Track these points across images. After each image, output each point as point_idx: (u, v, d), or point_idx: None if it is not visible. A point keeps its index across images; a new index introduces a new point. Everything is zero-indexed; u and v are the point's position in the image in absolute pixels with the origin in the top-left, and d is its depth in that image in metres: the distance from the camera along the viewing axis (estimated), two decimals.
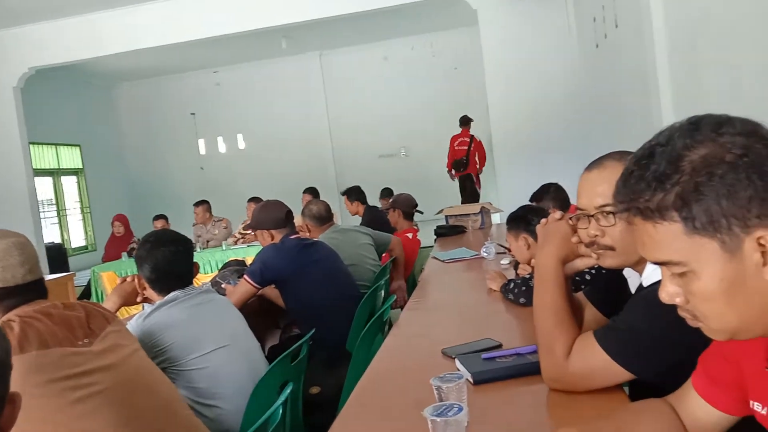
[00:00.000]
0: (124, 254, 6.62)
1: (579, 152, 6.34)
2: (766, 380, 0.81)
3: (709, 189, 0.71)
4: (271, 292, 2.93)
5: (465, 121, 8.82)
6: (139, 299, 2.13)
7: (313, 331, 2.27)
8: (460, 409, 1.08)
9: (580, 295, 1.55)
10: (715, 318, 0.77)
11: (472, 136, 8.77)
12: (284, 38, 9.61)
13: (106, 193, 11.68)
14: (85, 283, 6.86)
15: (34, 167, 8.62)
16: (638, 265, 1.26)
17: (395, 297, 3.09)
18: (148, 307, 1.94)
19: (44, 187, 10.45)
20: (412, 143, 11.72)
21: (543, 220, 1.43)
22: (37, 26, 7.71)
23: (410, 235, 4.41)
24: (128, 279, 2.14)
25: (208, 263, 6.11)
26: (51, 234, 10.30)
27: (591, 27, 6.05)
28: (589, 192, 1.28)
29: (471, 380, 1.38)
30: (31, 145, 8.50)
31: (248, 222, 5.32)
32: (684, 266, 0.75)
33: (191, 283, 2.04)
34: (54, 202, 10.80)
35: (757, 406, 0.85)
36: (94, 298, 6.27)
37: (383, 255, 3.90)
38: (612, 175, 1.02)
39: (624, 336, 1.18)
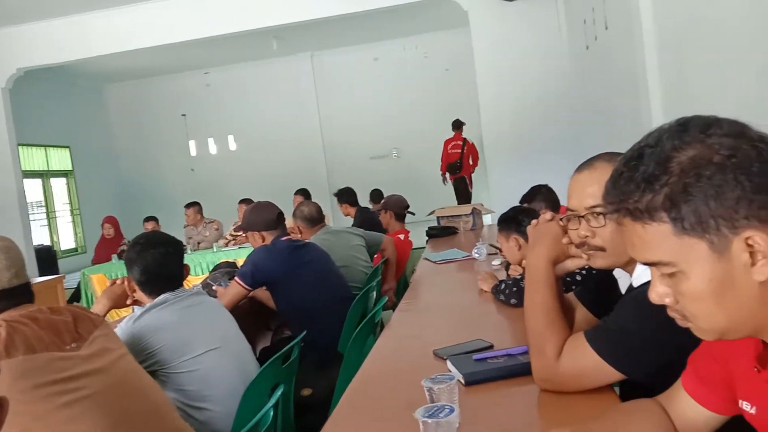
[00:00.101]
0: (114, 256, 6.57)
1: (570, 153, 6.37)
2: (754, 380, 0.81)
3: (698, 190, 0.72)
4: (263, 293, 2.92)
5: (457, 125, 8.94)
6: (129, 302, 2.11)
7: (304, 333, 2.26)
8: (452, 411, 1.08)
9: (570, 296, 1.55)
10: (704, 318, 0.77)
11: (465, 138, 8.88)
12: (275, 39, 9.59)
13: (96, 195, 11.61)
14: (74, 286, 6.81)
15: (22, 169, 8.55)
16: (628, 265, 1.27)
17: (387, 298, 3.09)
18: (138, 310, 1.93)
19: (33, 188, 10.37)
20: (403, 144, 11.72)
21: (534, 221, 1.44)
22: (25, 27, 7.65)
23: (402, 237, 4.41)
24: (118, 281, 2.13)
25: (198, 265, 6.08)
26: (40, 236, 10.22)
27: (581, 29, 6.08)
28: (580, 193, 1.29)
29: (462, 381, 1.38)
30: (19, 147, 8.43)
31: (239, 224, 5.29)
32: (673, 267, 0.75)
33: (182, 285, 2.03)
34: (43, 204, 10.72)
35: (746, 406, 0.85)
36: (84, 301, 6.23)
37: (375, 256, 3.90)
38: (602, 176, 1.03)
39: (614, 336, 1.19)
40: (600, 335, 1.21)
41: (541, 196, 3.09)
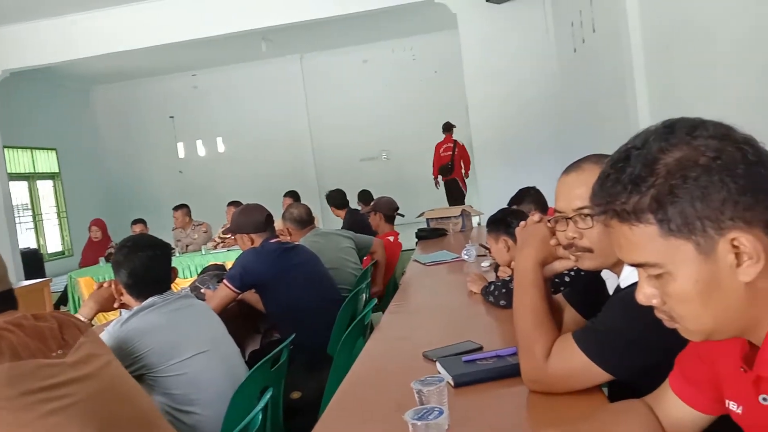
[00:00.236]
0: (102, 259, 6.52)
1: (558, 155, 6.40)
2: (741, 380, 0.82)
3: (684, 191, 0.72)
4: (251, 296, 2.91)
5: (447, 128, 9.04)
6: (116, 305, 2.10)
7: (293, 335, 2.25)
8: (441, 413, 1.08)
9: (559, 297, 1.56)
10: (691, 319, 0.78)
11: (455, 141, 8.96)
12: (264, 41, 9.57)
13: (83, 198, 11.52)
14: (61, 289, 6.75)
15: (8, 171, 8.46)
16: (616, 266, 1.28)
17: (376, 300, 3.08)
18: (125, 313, 1.92)
19: (19, 191, 10.27)
20: (393, 146, 11.74)
21: (522, 223, 1.44)
22: (12, 28, 7.58)
23: (392, 238, 4.41)
24: (105, 284, 2.11)
25: (187, 268, 6.05)
26: (26, 239, 10.12)
27: (569, 31, 6.12)
28: (567, 195, 1.29)
29: (452, 383, 1.38)
30: (5, 149, 8.35)
31: (228, 226, 5.28)
32: (660, 268, 0.76)
33: (169, 288, 2.02)
34: (29, 206, 10.63)
35: (732, 406, 0.86)
36: (71, 304, 6.17)
37: (365, 258, 3.90)
38: (590, 177, 1.03)
39: (602, 337, 1.19)
40: (588, 336, 1.21)
41: (530, 198, 3.11)
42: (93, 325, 2.10)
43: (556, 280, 1.93)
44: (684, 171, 0.72)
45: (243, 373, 1.97)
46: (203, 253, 6.39)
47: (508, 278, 2.24)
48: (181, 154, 11.27)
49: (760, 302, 0.74)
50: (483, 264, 3.07)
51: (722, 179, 0.71)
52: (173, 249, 6.47)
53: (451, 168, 8.89)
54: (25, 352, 1.31)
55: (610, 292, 1.35)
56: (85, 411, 1.34)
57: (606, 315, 1.22)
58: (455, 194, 8.92)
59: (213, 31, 7.49)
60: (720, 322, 0.77)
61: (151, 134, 12.20)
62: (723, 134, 0.74)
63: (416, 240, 4.95)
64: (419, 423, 1.06)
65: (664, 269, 0.76)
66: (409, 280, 3.15)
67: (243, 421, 1.46)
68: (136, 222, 7.06)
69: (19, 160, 10.36)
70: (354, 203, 6.25)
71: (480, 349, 1.63)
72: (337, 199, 5.59)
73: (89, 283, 5.98)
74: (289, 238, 3.55)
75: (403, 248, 4.60)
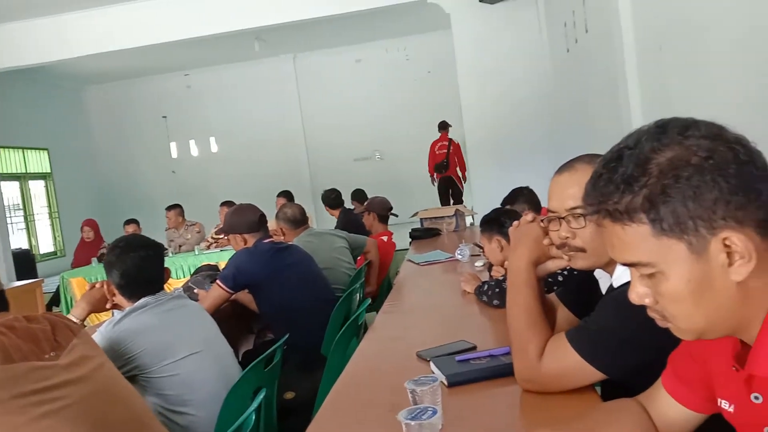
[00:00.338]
0: (94, 260, 6.49)
1: (551, 155, 6.42)
2: (733, 379, 0.82)
3: (676, 191, 0.72)
4: (245, 296, 2.90)
5: (443, 126, 9.13)
6: (108, 306, 2.09)
7: (287, 336, 2.25)
8: (435, 412, 1.08)
9: (552, 297, 1.56)
10: (683, 318, 0.78)
11: (451, 139, 9.02)
12: (257, 40, 9.55)
13: (75, 198, 11.46)
14: (54, 290, 6.71)
15: (0, 171, 8.41)
16: (609, 266, 1.28)
17: (370, 300, 3.08)
18: (117, 314, 1.91)
19: (11, 191, 10.21)
20: (386, 146, 11.74)
21: (515, 223, 1.44)
22: (3, 27, 7.52)
23: (385, 238, 4.41)
24: (97, 285, 2.10)
25: (180, 268, 6.03)
26: (18, 240, 10.06)
27: (562, 32, 6.14)
28: (560, 194, 1.30)
29: (445, 382, 1.38)
30: None
31: (221, 226, 5.26)
32: (652, 267, 0.76)
33: (162, 288, 2.01)
34: (21, 206, 10.56)
35: (724, 404, 0.86)
36: (63, 305, 6.14)
37: (358, 258, 3.89)
38: (582, 177, 1.04)
39: (595, 336, 1.19)
40: (581, 335, 1.21)
41: (523, 198, 3.11)
42: (85, 326, 2.09)
43: (549, 279, 1.93)
44: (676, 171, 0.73)
45: (236, 374, 1.97)
46: (196, 253, 6.37)
47: (501, 278, 2.25)
48: (174, 154, 11.23)
49: (752, 301, 0.75)
50: (476, 264, 3.07)
51: (714, 179, 0.71)
52: (166, 249, 6.46)
53: (446, 165, 8.99)
54: (17, 355, 1.30)
55: (603, 291, 1.35)
56: (78, 413, 1.33)
57: (599, 314, 1.22)
58: (453, 191, 9.02)
59: (206, 30, 7.46)
60: (712, 321, 0.77)
61: (143, 134, 12.15)
62: (715, 134, 0.75)
63: (410, 240, 4.95)
64: (413, 423, 1.06)
65: (656, 269, 0.76)
66: (402, 280, 3.15)
67: (236, 422, 1.45)
68: (129, 222, 7.03)
69: (10, 160, 10.30)
70: (348, 202, 6.25)
71: (473, 348, 1.63)
72: (330, 198, 5.58)
73: (81, 283, 5.95)
74: (282, 238, 3.54)
75: (396, 248, 4.60)
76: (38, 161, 11.08)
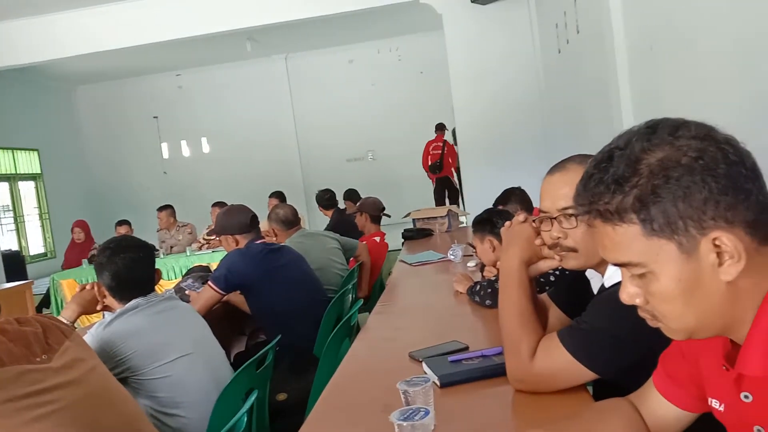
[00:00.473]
0: (85, 261, 6.45)
1: (543, 156, 6.45)
2: (723, 378, 0.83)
3: (666, 191, 0.73)
4: (237, 298, 2.89)
5: (440, 128, 9.29)
6: (99, 307, 2.07)
7: (279, 337, 2.24)
8: (427, 413, 1.08)
9: (544, 297, 1.57)
10: (673, 318, 0.78)
11: (446, 140, 9.11)
12: (249, 41, 9.53)
13: (65, 199, 11.38)
14: (44, 291, 6.67)
15: None
16: (600, 266, 1.29)
17: (362, 301, 3.08)
18: (108, 316, 1.90)
19: (0, 192, 10.13)
20: (379, 147, 11.74)
21: (507, 223, 1.44)
22: None
23: (378, 239, 4.41)
24: (88, 287, 2.08)
25: (172, 269, 6.00)
26: (8, 241, 9.99)
27: (553, 32, 6.16)
28: (552, 195, 1.30)
29: (438, 383, 1.38)
30: None
31: (213, 227, 5.25)
32: (643, 267, 0.76)
33: (153, 290, 2.00)
34: (11, 208, 10.49)
35: (714, 403, 0.87)
36: (53, 307, 6.10)
37: (350, 260, 3.89)
38: (574, 177, 1.04)
39: (587, 336, 1.20)
40: (573, 335, 1.22)
41: (515, 198, 3.12)
42: (76, 328, 2.08)
43: (542, 279, 1.94)
44: (666, 171, 0.73)
45: (228, 375, 1.96)
46: (188, 254, 6.34)
47: (493, 278, 2.25)
48: (166, 154, 11.18)
49: (741, 301, 0.75)
50: (469, 264, 3.07)
51: (704, 179, 0.72)
52: (157, 250, 6.43)
53: (440, 166, 9.09)
54: (8, 358, 1.29)
55: (595, 291, 1.36)
56: (70, 417, 1.32)
57: (590, 314, 1.23)
58: (450, 191, 9.10)
59: (198, 30, 7.44)
60: (702, 321, 0.78)
61: (134, 134, 12.09)
62: (705, 134, 0.75)
63: (402, 240, 4.95)
64: (405, 424, 1.06)
65: (647, 269, 0.76)
66: (395, 281, 3.15)
67: (228, 424, 1.44)
68: (121, 223, 6.99)
69: (0, 161, 10.22)
70: (341, 203, 6.25)
71: (466, 349, 1.63)
72: (324, 199, 5.59)
73: (72, 285, 5.91)
74: (274, 239, 3.53)
75: (389, 248, 4.60)
76: (28, 162, 11.00)
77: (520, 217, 1.42)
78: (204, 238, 6.72)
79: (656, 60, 3.72)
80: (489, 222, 2.40)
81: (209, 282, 2.73)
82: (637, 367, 1.07)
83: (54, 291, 6.22)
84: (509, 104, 7.10)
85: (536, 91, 7.09)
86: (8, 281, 7.02)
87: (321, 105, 11.67)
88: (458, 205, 8.63)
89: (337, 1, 7.23)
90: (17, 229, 10.54)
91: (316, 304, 2.83)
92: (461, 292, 2.37)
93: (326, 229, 5.12)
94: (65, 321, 1.94)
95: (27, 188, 11.00)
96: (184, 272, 4.45)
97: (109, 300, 1.99)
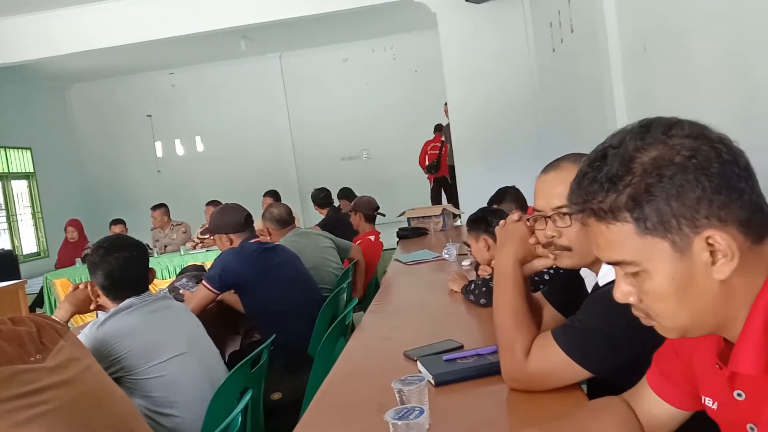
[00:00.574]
0: (78, 260, 6.43)
1: (537, 154, 6.46)
2: (716, 376, 0.83)
3: (660, 190, 0.73)
4: (231, 297, 2.88)
5: (439, 128, 9.33)
6: (92, 307, 2.06)
7: (273, 336, 2.24)
8: (422, 412, 1.08)
9: (538, 295, 1.57)
10: (667, 317, 0.79)
11: (443, 142, 9.10)
12: (243, 39, 9.50)
13: (59, 198, 11.33)
14: (37, 291, 6.64)
15: None
16: (594, 265, 1.29)
17: (357, 300, 3.08)
18: (102, 315, 1.89)
19: None
20: (374, 146, 11.74)
21: (502, 222, 1.45)
22: None
23: (372, 238, 4.41)
24: (81, 286, 2.08)
25: (166, 269, 5.99)
26: (1, 240, 9.94)
27: (547, 32, 6.16)
28: (546, 193, 1.30)
29: (432, 382, 1.38)
30: None
31: (207, 226, 5.24)
32: (637, 266, 0.77)
33: (147, 289, 1.99)
34: (4, 207, 10.43)
35: (708, 401, 0.87)
36: (47, 306, 6.07)
37: (344, 261, 3.88)
38: (568, 176, 1.04)
39: (581, 335, 1.20)
40: (567, 334, 1.22)
41: (510, 197, 3.13)
42: (69, 328, 2.07)
43: (536, 278, 1.94)
44: (660, 170, 0.73)
45: (222, 375, 1.96)
46: (182, 253, 6.32)
47: (488, 277, 2.25)
48: (159, 153, 11.14)
49: (735, 300, 0.75)
50: (463, 263, 3.08)
51: (697, 178, 0.72)
52: (151, 249, 6.41)
53: (437, 166, 9.13)
54: (2, 359, 1.28)
55: (589, 290, 1.36)
56: (65, 417, 1.31)
57: (584, 313, 1.23)
58: (448, 190, 9.15)
59: (192, 28, 7.41)
60: (695, 320, 0.78)
61: (128, 133, 12.05)
62: (698, 133, 0.75)
63: (397, 239, 4.95)
64: (400, 423, 1.05)
65: (640, 267, 0.76)
66: (390, 280, 3.15)
67: (223, 423, 1.44)
68: (115, 222, 6.97)
69: None
70: (336, 202, 6.25)
71: (460, 347, 1.63)
72: (320, 198, 5.60)
73: (65, 284, 5.89)
74: (268, 238, 3.53)
75: (384, 247, 4.60)
76: (21, 161, 10.94)
77: (515, 215, 1.42)
78: (198, 237, 6.70)
79: (650, 60, 3.73)
80: (483, 221, 2.40)
81: (203, 281, 2.72)
82: (631, 365, 1.07)
83: (47, 290, 6.19)
84: (503, 103, 7.11)
85: (530, 90, 7.10)
86: (1, 281, 6.97)
87: (315, 104, 11.66)
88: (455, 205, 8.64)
89: (332, 0, 7.21)
90: (10, 228, 10.49)
91: (310, 303, 2.83)
92: (456, 291, 2.37)
93: (319, 224, 5.13)
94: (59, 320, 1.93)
95: (20, 187, 10.94)
96: (178, 271, 4.44)
97: (103, 299, 1.98)
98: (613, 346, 1.17)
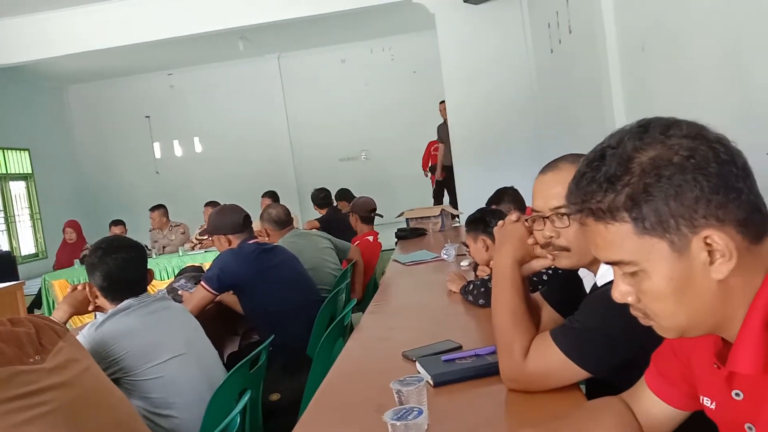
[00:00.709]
0: (77, 261, 6.42)
1: (535, 155, 6.46)
2: (714, 376, 0.83)
3: (658, 190, 0.73)
4: (230, 298, 2.88)
5: None
6: (90, 308, 2.06)
7: (272, 337, 2.24)
8: (420, 413, 1.08)
9: (537, 296, 1.57)
10: (665, 316, 0.79)
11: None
12: (241, 40, 9.50)
13: (57, 199, 11.31)
14: (35, 292, 6.63)
15: None
16: (593, 265, 1.29)
17: (356, 301, 3.08)
18: (100, 316, 1.89)
19: None
20: (372, 146, 11.73)
21: (500, 222, 1.45)
22: None
23: (371, 238, 4.40)
24: (79, 287, 2.07)
25: (164, 269, 5.98)
26: None
27: (546, 32, 6.17)
28: (544, 194, 1.30)
29: (431, 382, 1.38)
30: None
31: (205, 227, 5.24)
32: (635, 266, 0.77)
33: (145, 290, 1.99)
34: (2, 208, 10.42)
35: (706, 401, 0.87)
36: (45, 307, 6.06)
37: (342, 262, 3.88)
38: (566, 177, 1.04)
39: (579, 335, 1.20)
40: (566, 334, 1.22)
41: (508, 198, 3.13)
42: (68, 329, 2.06)
43: (534, 278, 1.94)
44: (658, 170, 0.73)
45: (221, 376, 1.95)
46: (180, 254, 6.32)
47: (486, 277, 2.25)
48: (158, 154, 11.13)
49: (733, 299, 0.76)
50: (462, 263, 3.08)
51: (695, 178, 0.72)
52: (150, 250, 6.41)
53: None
54: (1, 359, 1.28)
55: (587, 290, 1.36)
56: (64, 418, 1.31)
57: (583, 313, 1.23)
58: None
59: (190, 29, 7.41)
60: (694, 319, 0.78)
61: (126, 134, 12.03)
62: (696, 133, 0.75)
63: (396, 240, 4.95)
64: (398, 423, 1.05)
65: (638, 267, 0.77)
66: (388, 280, 3.15)
67: (221, 424, 1.44)
68: (115, 223, 6.97)
69: None
70: (334, 203, 6.25)
71: (459, 348, 1.63)
72: (319, 198, 5.60)
73: (64, 285, 5.88)
74: (267, 239, 3.53)
75: (383, 248, 4.60)
76: (19, 162, 10.93)
77: (513, 216, 1.42)
78: (197, 238, 6.70)
79: (648, 60, 3.73)
80: (482, 221, 2.40)
81: (202, 282, 2.72)
82: (629, 365, 1.07)
83: (45, 291, 6.19)
84: (502, 104, 7.11)
85: (529, 91, 7.10)
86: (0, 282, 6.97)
87: (314, 104, 11.66)
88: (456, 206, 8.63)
89: (330, 1, 7.21)
90: (8, 230, 10.47)
91: (309, 303, 2.83)
92: (454, 292, 2.37)
93: (318, 220, 5.13)
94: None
95: (18, 188, 10.93)
96: (176, 272, 4.43)
97: (101, 300, 1.97)
98: (612, 347, 1.17)
